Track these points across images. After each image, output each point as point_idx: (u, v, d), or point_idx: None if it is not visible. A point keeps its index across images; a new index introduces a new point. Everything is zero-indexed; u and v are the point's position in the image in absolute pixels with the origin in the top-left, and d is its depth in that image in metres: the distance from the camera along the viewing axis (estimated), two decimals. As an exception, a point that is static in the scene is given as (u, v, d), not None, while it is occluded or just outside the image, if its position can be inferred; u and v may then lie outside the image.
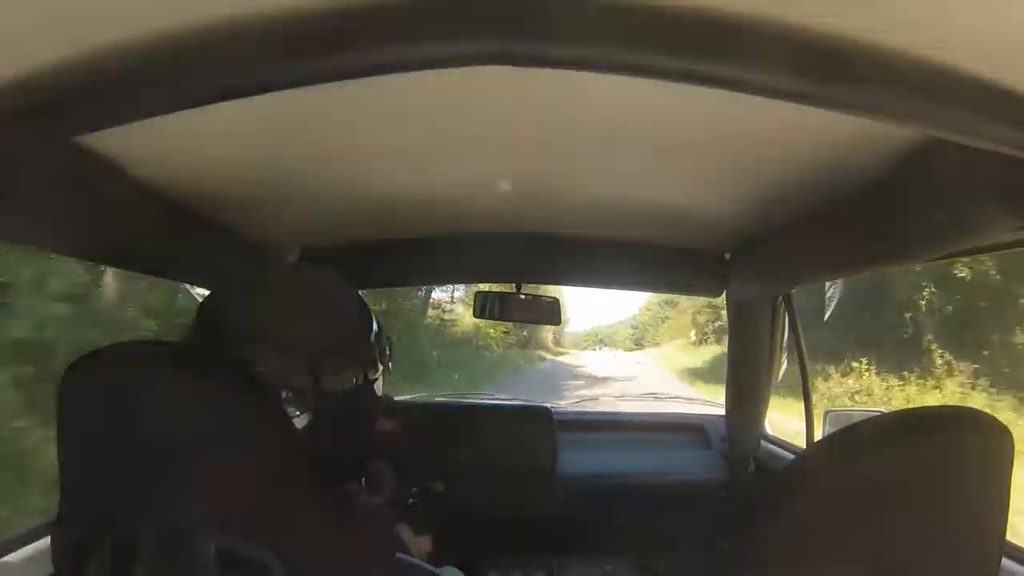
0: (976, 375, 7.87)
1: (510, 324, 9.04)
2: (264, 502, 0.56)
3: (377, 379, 0.76)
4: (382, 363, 0.77)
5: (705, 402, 2.00)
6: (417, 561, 0.64)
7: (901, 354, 8.55)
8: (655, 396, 2.14)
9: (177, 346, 0.68)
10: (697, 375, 13.82)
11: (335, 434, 0.71)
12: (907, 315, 8.56)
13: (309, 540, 0.56)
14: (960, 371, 8.01)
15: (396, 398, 1.88)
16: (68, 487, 0.58)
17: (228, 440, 0.56)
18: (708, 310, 18.63)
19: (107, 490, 0.56)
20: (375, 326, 0.77)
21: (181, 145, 0.82)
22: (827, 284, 1.64)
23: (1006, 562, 0.86)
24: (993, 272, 7.68)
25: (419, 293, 11.24)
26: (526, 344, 20.39)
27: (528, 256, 1.50)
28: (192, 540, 0.54)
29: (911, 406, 0.85)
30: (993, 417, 0.67)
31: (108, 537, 0.55)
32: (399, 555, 0.63)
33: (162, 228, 0.99)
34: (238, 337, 0.68)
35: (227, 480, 0.55)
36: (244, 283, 0.73)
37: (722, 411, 1.74)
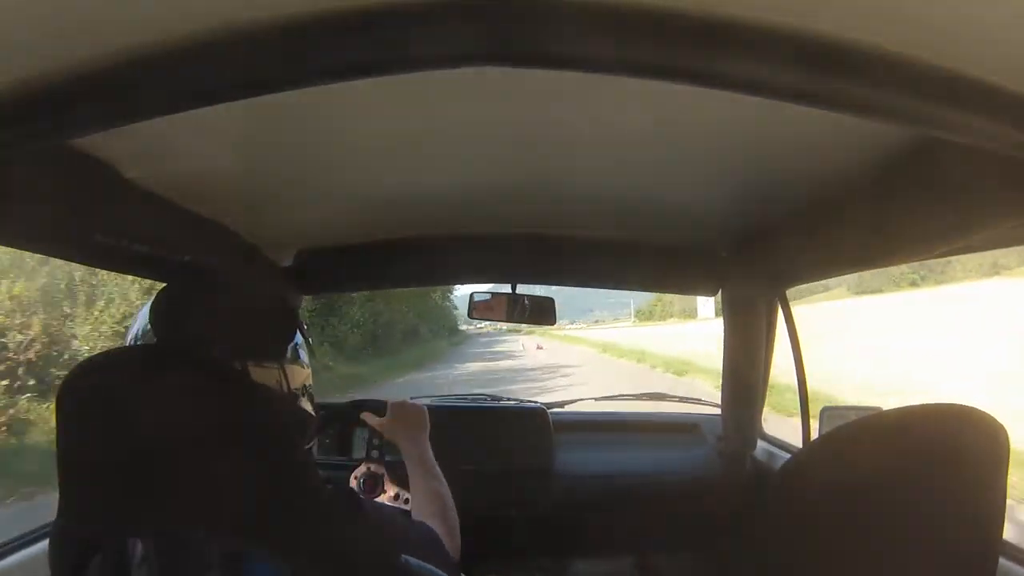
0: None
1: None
2: (266, 502, 0.56)
3: (303, 384, 0.81)
4: (304, 362, 0.82)
5: (701, 401, 2.00)
6: (422, 563, 0.64)
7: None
8: (651, 396, 2.14)
9: (173, 350, 0.68)
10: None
11: None
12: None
13: (313, 540, 0.56)
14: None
15: (394, 400, 1.88)
16: (67, 490, 0.58)
17: (227, 441, 0.56)
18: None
19: (107, 492, 0.55)
20: (298, 332, 0.82)
21: (179, 146, 0.82)
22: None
23: (1003, 562, 0.86)
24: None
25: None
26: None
27: (526, 256, 1.50)
28: (193, 541, 0.54)
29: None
30: (991, 416, 0.67)
31: (108, 539, 0.55)
32: (404, 557, 0.63)
33: (160, 230, 0.99)
34: (185, 335, 0.69)
35: (228, 481, 0.54)
36: (182, 284, 0.75)
37: (718, 410, 1.75)
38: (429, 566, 0.65)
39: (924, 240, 0.84)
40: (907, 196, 0.82)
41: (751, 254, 1.38)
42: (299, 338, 0.82)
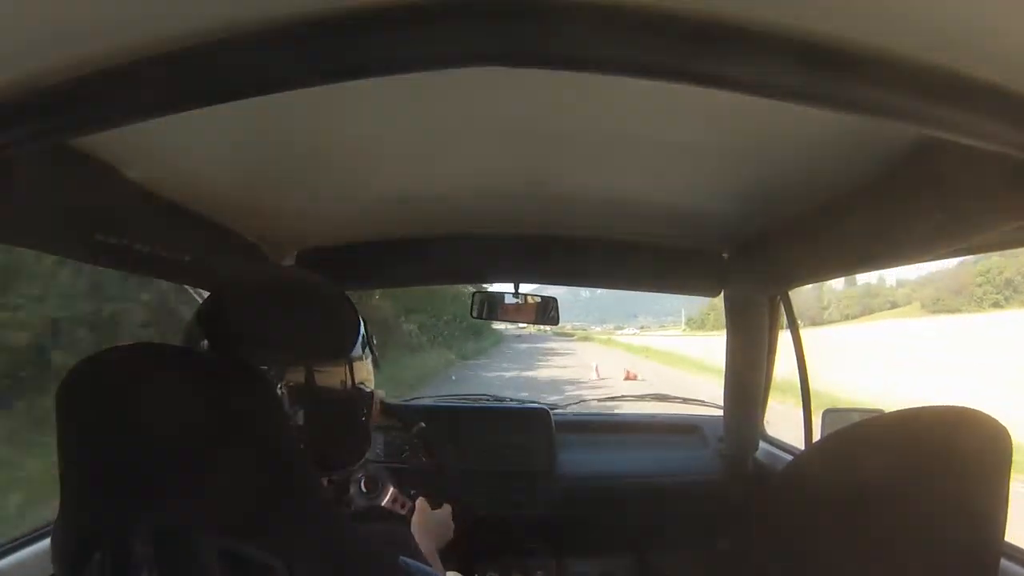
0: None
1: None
2: (265, 502, 0.56)
3: (367, 380, 0.79)
4: (372, 362, 0.80)
5: (702, 403, 2.00)
6: (421, 565, 0.64)
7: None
8: (653, 396, 2.14)
9: (175, 348, 0.68)
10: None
11: (328, 430, 0.74)
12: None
13: (311, 541, 0.56)
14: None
15: (397, 401, 1.88)
16: (69, 488, 0.58)
17: (228, 440, 0.56)
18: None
19: (107, 491, 0.55)
20: (362, 328, 0.80)
21: (179, 146, 0.82)
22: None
23: (1004, 563, 0.86)
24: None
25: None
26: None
27: (527, 256, 1.50)
28: (192, 540, 0.54)
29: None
30: (992, 418, 0.67)
31: (109, 538, 0.55)
32: (403, 558, 0.63)
33: (161, 230, 0.99)
34: (237, 338, 0.68)
35: (227, 480, 0.54)
36: (240, 285, 0.73)
37: (719, 412, 1.74)
38: (429, 569, 0.65)
39: (925, 241, 0.84)
40: (908, 197, 0.81)
41: (752, 255, 1.38)
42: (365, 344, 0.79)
